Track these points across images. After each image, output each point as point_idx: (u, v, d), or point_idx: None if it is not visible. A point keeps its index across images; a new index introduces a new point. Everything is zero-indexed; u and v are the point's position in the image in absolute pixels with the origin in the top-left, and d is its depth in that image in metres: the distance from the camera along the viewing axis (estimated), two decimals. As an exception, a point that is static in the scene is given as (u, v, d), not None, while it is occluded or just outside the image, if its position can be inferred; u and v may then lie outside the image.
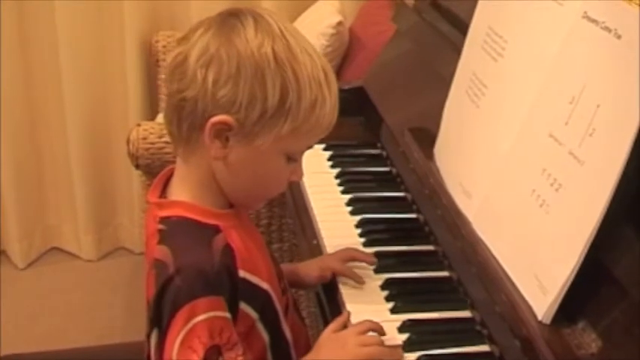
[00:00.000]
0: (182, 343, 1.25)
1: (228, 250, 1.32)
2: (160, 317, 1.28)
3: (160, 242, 1.32)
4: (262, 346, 1.40)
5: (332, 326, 1.44)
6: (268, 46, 1.27)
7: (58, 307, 3.31)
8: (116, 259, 3.69)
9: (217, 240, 1.31)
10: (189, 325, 1.25)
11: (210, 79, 1.26)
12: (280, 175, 1.37)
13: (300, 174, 1.40)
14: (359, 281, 1.56)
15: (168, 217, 1.34)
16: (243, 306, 1.33)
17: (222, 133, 1.28)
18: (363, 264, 1.60)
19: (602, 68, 1.20)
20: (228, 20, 1.30)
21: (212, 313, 1.26)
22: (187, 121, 1.30)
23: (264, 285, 1.37)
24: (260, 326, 1.38)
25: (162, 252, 1.30)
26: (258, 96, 1.26)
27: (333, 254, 1.63)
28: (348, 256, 1.60)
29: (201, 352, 1.25)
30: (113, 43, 3.43)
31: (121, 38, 3.39)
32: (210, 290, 1.27)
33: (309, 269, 1.61)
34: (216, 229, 1.33)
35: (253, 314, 1.36)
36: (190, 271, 1.26)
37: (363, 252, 1.63)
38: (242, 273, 1.32)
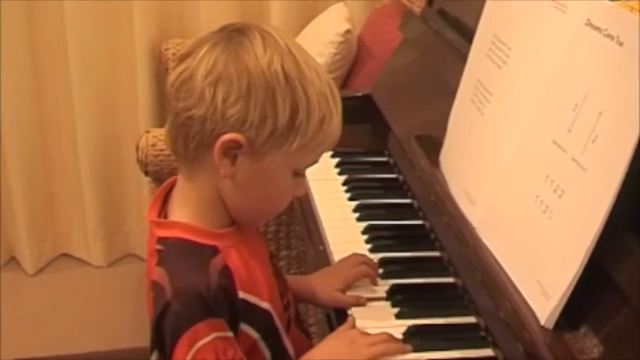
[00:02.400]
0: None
1: (226, 271, 1.30)
2: (161, 341, 1.28)
3: (158, 263, 1.31)
4: None
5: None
6: (278, 63, 1.26)
7: (67, 313, 3.33)
8: (125, 266, 3.71)
9: (215, 262, 1.30)
10: (194, 349, 1.25)
11: (219, 97, 1.24)
12: (286, 191, 1.37)
13: (304, 189, 1.41)
14: (375, 278, 1.56)
15: (166, 238, 1.33)
16: (244, 327, 1.33)
17: (231, 151, 1.27)
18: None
19: (604, 75, 1.21)
20: (235, 36, 1.28)
21: (214, 335, 1.26)
22: (195, 140, 1.28)
23: (265, 304, 1.36)
24: (262, 345, 1.38)
25: (159, 275, 1.29)
26: (269, 115, 1.25)
27: (344, 263, 1.61)
28: (358, 260, 1.59)
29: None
30: (123, 51, 3.44)
31: (130, 46, 3.41)
32: (209, 313, 1.26)
33: (327, 286, 1.57)
34: (215, 250, 1.31)
35: (254, 334, 1.36)
36: (187, 295, 1.25)
37: (372, 266, 1.61)
38: (242, 294, 1.31)
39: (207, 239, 1.32)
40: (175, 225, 1.34)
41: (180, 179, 1.37)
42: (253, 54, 1.26)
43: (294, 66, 1.27)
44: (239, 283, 1.31)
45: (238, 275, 1.31)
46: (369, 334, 1.40)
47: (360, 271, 1.57)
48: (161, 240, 1.33)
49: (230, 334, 1.29)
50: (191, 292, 1.26)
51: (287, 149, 1.28)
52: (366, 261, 1.60)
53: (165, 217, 1.37)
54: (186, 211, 1.34)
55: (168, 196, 1.40)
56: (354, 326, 1.45)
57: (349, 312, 1.51)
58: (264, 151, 1.28)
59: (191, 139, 1.28)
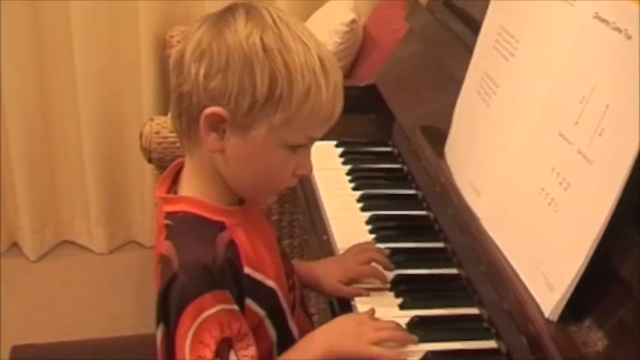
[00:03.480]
0: (193, 338, 1.26)
1: (232, 246, 1.32)
2: (166, 313, 1.29)
3: (166, 238, 1.33)
4: (269, 343, 1.40)
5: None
6: (257, 35, 1.27)
7: (69, 300, 3.33)
8: (127, 253, 3.71)
9: (222, 236, 1.32)
10: (199, 320, 1.26)
11: (201, 72, 1.27)
12: (283, 168, 1.36)
13: (309, 167, 1.39)
14: (382, 280, 1.55)
15: (174, 213, 1.35)
16: (249, 302, 1.34)
17: (217, 125, 1.29)
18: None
19: (612, 68, 1.21)
20: (223, 14, 1.31)
21: (220, 307, 1.27)
22: (186, 114, 1.31)
23: (270, 283, 1.37)
24: (267, 323, 1.39)
25: (167, 247, 1.31)
26: (246, 86, 1.26)
27: (352, 257, 1.60)
28: (368, 259, 1.58)
29: (213, 346, 1.26)
30: (128, 38, 3.44)
31: (135, 33, 3.41)
32: (215, 285, 1.27)
33: (330, 275, 1.57)
34: (222, 226, 1.33)
35: (260, 312, 1.36)
36: (194, 267, 1.27)
37: (382, 253, 1.60)
38: (247, 270, 1.33)
39: (215, 215, 1.34)
40: (183, 200, 1.36)
41: (186, 158, 1.39)
42: (234, 29, 1.28)
43: (275, 38, 1.28)
44: (245, 259, 1.33)
45: (244, 252, 1.33)
46: (377, 319, 1.41)
47: (366, 271, 1.56)
48: (169, 215, 1.35)
49: (236, 307, 1.30)
50: (198, 264, 1.27)
51: (270, 122, 1.28)
52: (376, 258, 1.58)
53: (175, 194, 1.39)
54: (193, 187, 1.36)
55: (176, 177, 1.42)
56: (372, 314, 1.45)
57: (352, 302, 1.51)
58: (247, 124, 1.29)
59: (183, 115, 1.32)
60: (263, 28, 1.28)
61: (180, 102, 1.31)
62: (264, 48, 1.26)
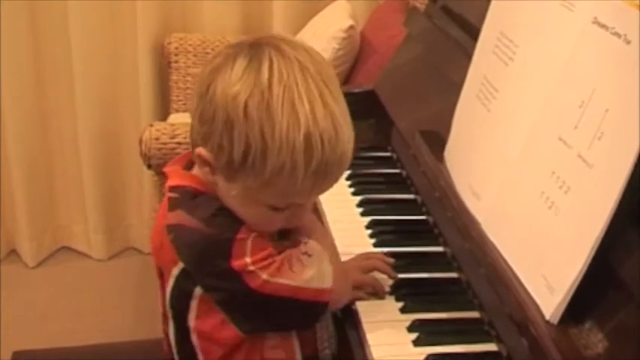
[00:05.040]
0: (252, 249, 1.31)
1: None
2: (206, 268, 1.32)
3: (171, 209, 1.35)
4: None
5: None
6: (243, 97, 1.22)
7: (68, 306, 3.33)
8: (126, 259, 3.72)
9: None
10: (250, 238, 1.31)
11: (198, 111, 1.28)
12: (270, 221, 1.35)
13: (300, 220, 1.39)
14: (381, 292, 1.54)
15: (180, 186, 1.37)
16: None
17: (206, 164, 1.30)
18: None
19: (611, 73, 1.21)
20: (234, 54, 1.28)
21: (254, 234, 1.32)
22: (191, 138, 1.34)
23: None
24: None
25: (177, 216, 1.34)
26: (225, 145, 1.25)
27: (354, 265, 1.59)
28: (370, 267, 1.58)
29: (269, 247, 1.33)
30: (126, 45, 3.45)
31: (133, 40, 3.41)
32: (239, 223, 1.32)
33: None
34: None
35: None
36: (215, 217, 1.31)
37: (385, 262, 1.60)
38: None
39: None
40: (190, 177, 1.38)
41: None
42: (228, 80, 1.25)
43: (259, 104, 1.22)
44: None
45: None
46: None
47: (366, 280, 1.55)
48: (174, 188, 1.38)
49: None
50: (218, 210, 1.32)
51: (245, 183, 1.27)
52: (379, 266, 1.58)
53: None
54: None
55: (191, 163, 1.42)
56: None
57: (353, 306, 1.52)
58: (228, 177, 1.29)
59: (190, 136, 1.35)
60: (252, 90, 1.23)
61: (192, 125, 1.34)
62: (246, 113, 1.22)
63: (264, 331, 1.40)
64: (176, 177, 1.39)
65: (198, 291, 1.35)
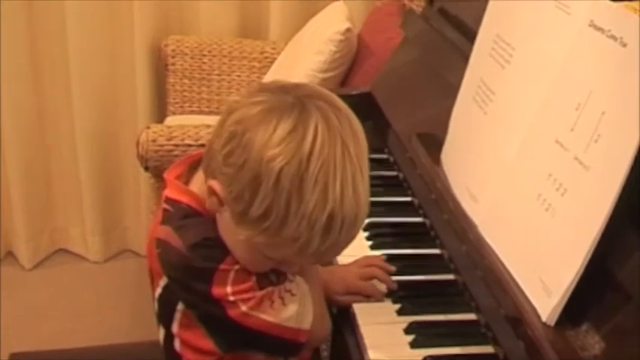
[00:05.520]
0: (234, 280, 1.30)
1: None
2: (189, 290, 1.32)
3: (163, 222, 1.34)
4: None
5: None
6: (279, 163, 1.18)
7: (64, 308, 3.33)
8: (123, 262, 3.72)
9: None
10: (231, 277, 1.30)
11: (226, 149, 1.23)
12: (259, 264, 1.33)
13: (293, 268, 1.37)
14: (379, 298, 1.55)
15: (176, 201, 1.36)
16: None
17: (217, 197, 1.28)
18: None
19: (607, 76, 1.21)
20: (281, 107, 1.22)
21: (237, 266, 1.31)
22: (204, 162, 1.32)
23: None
24: None
25: (166, 232, 1.33)
26: (245, 199, 1.21)
27: (353, 270, 1.60)
28: (370, 275, 1.58)
29: (252, 280, 1.32)
30: (123, 47, 3.45)
31: (130, 42, 3.42)
32: (224, 253, 1.31)
33: (329, 286, 1.55)
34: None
35: None
36: (201, 243, 1.30)
37: (385, 269, 1.60)
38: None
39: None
40: (189, 192, 1.36)
41: None
42: (268, 138, 1.19)
43: (294, 176, 1.18)
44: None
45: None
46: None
47: (365, 288, 1.56)
48: (170, 201, 1.36)
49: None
50: (204, 240, 1.30)
51: (252, 237, 1.25)
52: (378, 275, 1.58)
53: (186, 183, 1.39)
54: (204, 188, 1.33)
55: (192, 167, 1.41)
56: None
57: (351, 309, 1.52)
58: (236, 220, 1.26)
59: (204, 159, 1.32)
60: (292, 159, 1.18)
61: (207, 149, 1.31)
62: (277, 180, 1.18)
63: (242, 351, 1.40)
64: (174, 189, 1.37)
65: (181, 305, 1.36)
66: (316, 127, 1.20)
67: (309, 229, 1.20)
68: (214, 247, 1.31)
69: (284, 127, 1.19)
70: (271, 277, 1.36)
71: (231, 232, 1.29)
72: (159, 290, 1.38)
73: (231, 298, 1.30)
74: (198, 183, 1.37)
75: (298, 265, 1.37)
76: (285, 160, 1.18)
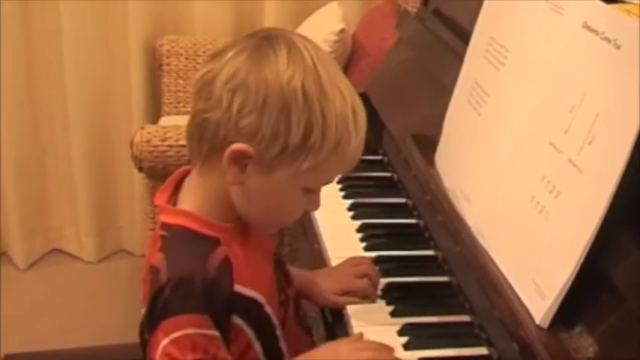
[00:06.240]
0: (163, 351, 1.26)
1: (225, 263, 1.31)
2: (149, 323, 1.29)
3: (159, 249, 1.32)
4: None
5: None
6: (299, 80, 1.24)
7: (59, 309, 3.34)
8: (117, 262, 3.72)
9: (216, 253, 1.31)
10: (172, 336, 1.25)
11: (235, 105, 1.24)
12: (296, 206, 1.36)
13: (317, 205, 1.39)
14: (373, 297, 1.55)
15: (170, 225, 1.34)
16: (237, 320, 1.33)
17: (241, 160, 1.27)
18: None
19: (601, 78, 1.21)
20: (262, 45, 1.27)
21: (196, 330, 1.26)
22: (208, 143, 1.29)
23: (261, 298, 1.36)
24: (257, 345, 1.38)
25: (159, 259, 1.30)
26: (281, 131, 1.24)
27: (347, 269, 1.59)
28: (363, 272, 1.58)
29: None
30: (117, 47, 3.45)
31: (125, 42, 3.42)
32: (196, 308, 1.27)
33: (323, 286, 1.56)
34: (216, 242, 1.32)
35: (248, 331, 1.36)
36: (180, 284, 1.26)
37: (375, 271, 1.59)
38: (237, 287, 1.32)
39: (210, 230, 1.33)
40: (181, 213, 1.35)
41: (193, 172, 1.37)
42: (275, 67, 1.24)
43: (315, 85, 1.25)
44: (237, 276, 1.32)
45: (237, 268, 1.32)
46: (361, 349, 1.37)
47: (360, 285, 1.56)
48: (165, 226, 1.35)
49: (216, 333, 1.28)
50: (184, 282, 1.27)
51: (297, 167, 1.27)
52: (370, 273, 1.58)
53: (174, 204, 1.38)
54: (193, 202, 1.35)
55: (179, 185, 1.40)
56: (358, 339, 1.42)
57: (344, 311, 1.52)
58: (273, 166, 1.27)
59: (205, 141, 1.30)
60: (305, 72, 1.25)
61: (205, 128, 1.28)
62: (305, 94, 1.24)
63: None
64: (168, 214, 1.36)
65: (146, 336, 1.32)
66: (302, 43, 1.29)
67: (345, 125, 1.27)
68: (186, 295, 1.27)
69: (281, 53, 1.26)
70: None
71: (258, 192, 1.31)
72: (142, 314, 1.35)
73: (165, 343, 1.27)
74: (187, 197, 1.37)
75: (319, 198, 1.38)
76: (301, 75, 1.24)
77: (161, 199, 1.39)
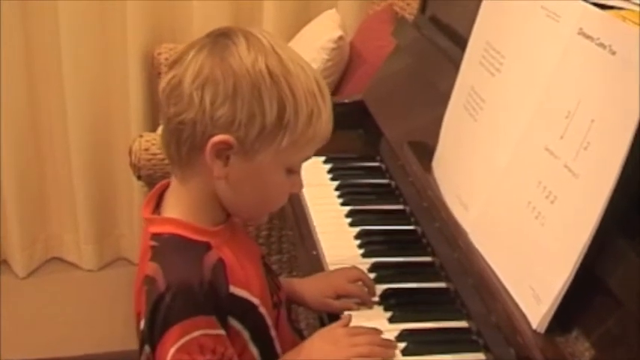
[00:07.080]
0: (172, 358, 1.27)
1: (219, 265, 1.32)
2: (152, 334, 1.29)
3: (151, 259, 1.33)
4: None
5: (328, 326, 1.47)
6: (262, 62, 1.28)
7: (58, 317, 3.33)
8: (116, 270, 3.71)
9: (208, 257, 1.32)
10: (180, 342, 1.26)
11: (207, 100, 1.27)
12: (281, 189, 1.38)
13: (300, 185, 1.41)
14: (367, 301, 1.55)
15: (160, 234, 1.35)
16: (233, 322, 1.34)
17: (223, 152, 1.29)
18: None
19: (597, 84, 1.22)
20: (220, 40, 1.31)
21: (203, 331, 1.27)
22: (187, 143, 1.30)
23: (255, 300, 1.38)
24: (251, 346, 1.39)
25: (153, 269, 1.31)
26: (256, 113, 1.27)
27: (339, 273, 1.60)
28: (356, 276, 1.59)
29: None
30: (116, 56, 3.45)
31: (123, 50, 3.41)
32: (199, 309, 1.28)
33: (316, 291, 1.58)
34: (208, 246, 1.34)
35: (244, 332, 1.37)
36: (180, 289, 1.27)
37: (368, 277, 1.60)
38: (232, 288, 1.33)
39: (200, 236, 1.34)
40: (169, 221, 1.36)
41: (173, 182, 1.39)
42: (237, 55, 1.28)
43: (278, 63, 1.29)
44: (231, 278, 1.33)
45: (231, 269, 1.34)
46: (355, 334, 1.42)
47: (354, 289, 1.56)
48: (155, 236, 1.35)
49: (222, 332, 1.30)
50: (184, 286, 1.28)
51: (277, 146, 1.30)
52: (364, 278, 1.59)
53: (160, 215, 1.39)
54: (178, 209, 1.36)
55: (161, 198, 1.41)
56: (346, 325, 1.47)
57: (341, 316, 1.52)
58: (255, 150, 1.30)
59: (183, 143, 1.31)
60: (265, 54, 1.29)
61: (181, 131, 1.30)
62: (271, 74, 1.28)
63: None
64: (155, 224, 1.37)
65: (147, 348, 1.33)
66: (259, 32, 1.33)
67: (313, 99, 1.31)
68: (188, 299, 1.28)
69: (240, 42, 1.30)
70: None
71: (244, 181, 1.33)
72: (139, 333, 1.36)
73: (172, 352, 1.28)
74: (172, 206, 1.38)
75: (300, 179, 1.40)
76: (263, 57, 1.28)
77: (146, 212, 1.40)
